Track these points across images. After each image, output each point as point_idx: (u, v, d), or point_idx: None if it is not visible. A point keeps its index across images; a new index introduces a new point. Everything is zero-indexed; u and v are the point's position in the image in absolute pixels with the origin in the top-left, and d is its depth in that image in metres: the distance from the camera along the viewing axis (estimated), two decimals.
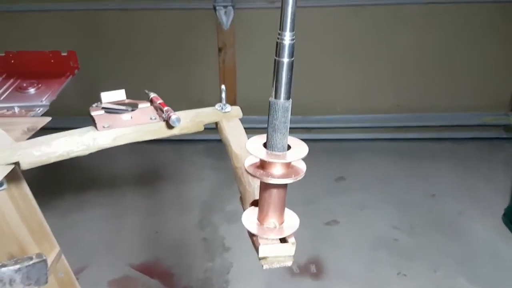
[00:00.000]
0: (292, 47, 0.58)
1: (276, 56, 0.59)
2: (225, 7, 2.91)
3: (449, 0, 2.88)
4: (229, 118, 1.07)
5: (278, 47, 0.58)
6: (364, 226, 2.35)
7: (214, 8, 2.92)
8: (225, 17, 2.95)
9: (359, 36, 3.02)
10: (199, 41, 3.07)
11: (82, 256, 2.08)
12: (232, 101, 3.18)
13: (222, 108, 1.08)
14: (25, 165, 0.88)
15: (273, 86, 0.61)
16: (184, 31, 3.04)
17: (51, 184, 2.67)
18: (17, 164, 0.89)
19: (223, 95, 1.07)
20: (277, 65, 0.59)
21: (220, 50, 3.07)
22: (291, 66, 0.59)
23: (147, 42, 3.10)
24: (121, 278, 2.02)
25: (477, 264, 2.07)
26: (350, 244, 2.21)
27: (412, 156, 3.01)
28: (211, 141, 3.17)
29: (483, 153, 3.04)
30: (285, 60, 0.59)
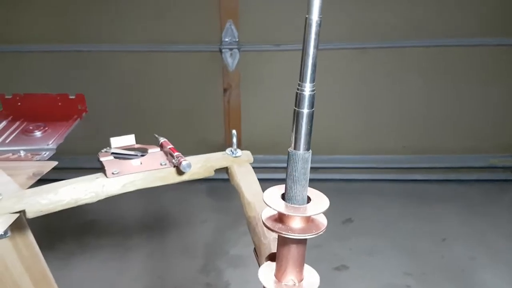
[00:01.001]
0: (312, 98, 0.57)
1: (295, 106, 0.58)
2: (230, 49, 2.96)
3: (451, 43, 2.92)
4: (239, 163, 1.05)
5: (298, 98, 0.57)
6: (374, 271, 2.28)
7: (220, 51, 2.97)
8: (231, 59, 2.99)
9: (364, 77, 3.05)
10: (204, 82, 3.10)
11: None
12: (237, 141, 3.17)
13: (232, 153, 1.06)
14: (31, 214, 0.85)
15: (292, 136, 0.59)
16: (190, 72, 3.08)
17: (52, 225, 2.62)
18: (22, 212, 0.86)
19: (234, 139, 1.06)
20: (296, 116, 0.58)
21: (225, 90, 3.09)
22: (311, 117, 0.58)
23: (153, 83, 3.13)
24: None
25: None
26: None
27: (419, 198, 2.97)
28: (214, 180, 3.13)
29: (491, 195, 2.99)
30: (305, 111, 0.57)
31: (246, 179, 0.98)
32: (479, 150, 3.14)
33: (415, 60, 2.99)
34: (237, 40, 2.95)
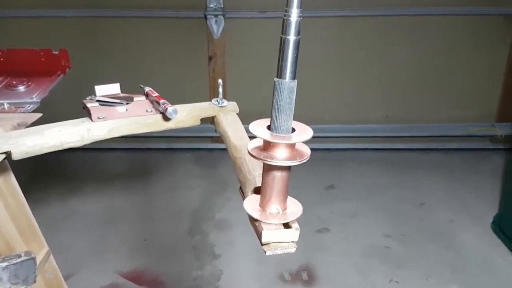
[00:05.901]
0: (299, 24, 0.58)
1: (282, 34, 0.58)
2: (215, 16, 2.93)
3: (436, 12, 2.94)
4: (226, 112, 1.05)
5: (284, 24, 0.58)
6: (355, 234, 2.34)
7: (205, 17, 2.94)
8: (216, 26, 2.96)
9: (350, 46, 3.05)
10: (189, 49, 3.07)
11: (69, 263, 2.02)
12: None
13: (218, 103, 1.06)
14: (17, 155, 0.85)
15: (278, 65, 0.60)
16: (175, 39, 3.04)
17: (36, 190, 2.61)
18: (8, 154, 0.86)
19: (220, 89, 1.06)
20: (282, 43, 0.59)
21: (210, 59, 3.07)
22: (297, 44, 0.59)
23: (138, 49, 3.08)
24: (109, 285, 1.96)
25: (469, 271, 2.07)
26: (341, 252, 2.20)
27: (401, 166, 3.03)
28: (199, 150, 3.14)
29: (470, 163, 3.06)
30: (292, 38, 0.58)
31: (232, 126, 0.99)
32: (459, 120, 3.20)
33: (400, 29, 3.00)
34: (222, 6, 2.92)
